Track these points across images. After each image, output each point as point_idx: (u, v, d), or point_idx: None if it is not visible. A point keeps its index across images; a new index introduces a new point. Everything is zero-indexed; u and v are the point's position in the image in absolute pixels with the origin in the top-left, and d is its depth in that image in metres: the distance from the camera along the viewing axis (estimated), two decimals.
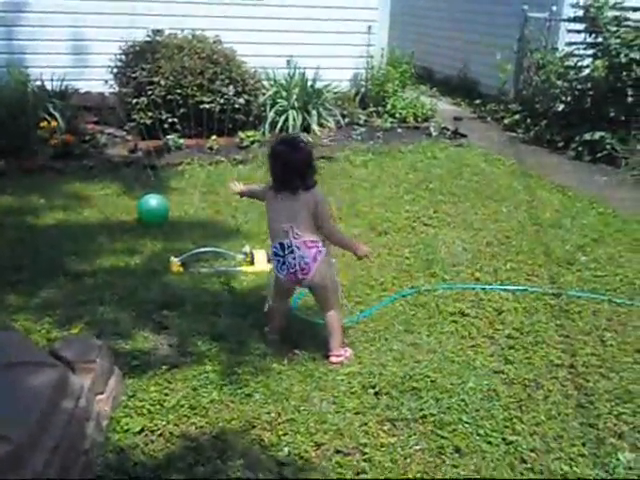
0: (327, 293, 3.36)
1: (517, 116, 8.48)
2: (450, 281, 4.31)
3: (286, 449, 2.72)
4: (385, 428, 2.88)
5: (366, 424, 2.89)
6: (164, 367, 3.18)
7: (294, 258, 3.22)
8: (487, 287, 4.23)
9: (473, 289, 4.20)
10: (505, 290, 4.20)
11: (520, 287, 4.24)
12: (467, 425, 2.89)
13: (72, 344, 2.85)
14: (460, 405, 3.02)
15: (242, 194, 3.67)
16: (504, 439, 2.83)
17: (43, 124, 6.57)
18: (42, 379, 2.38)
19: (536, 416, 2.99)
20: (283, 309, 3.54)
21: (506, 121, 8.61)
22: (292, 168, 3.21)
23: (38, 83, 6.85)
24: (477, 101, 9.62)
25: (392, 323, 3.75)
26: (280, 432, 2.81)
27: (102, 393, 2.77)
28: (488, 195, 6.00)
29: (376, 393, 3.10)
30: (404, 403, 3.03)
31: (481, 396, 3.10)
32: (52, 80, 7.14)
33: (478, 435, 2.84)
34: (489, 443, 2.80)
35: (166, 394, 3.00)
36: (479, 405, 3.03)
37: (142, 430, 2.77)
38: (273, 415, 2.91)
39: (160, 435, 2.75)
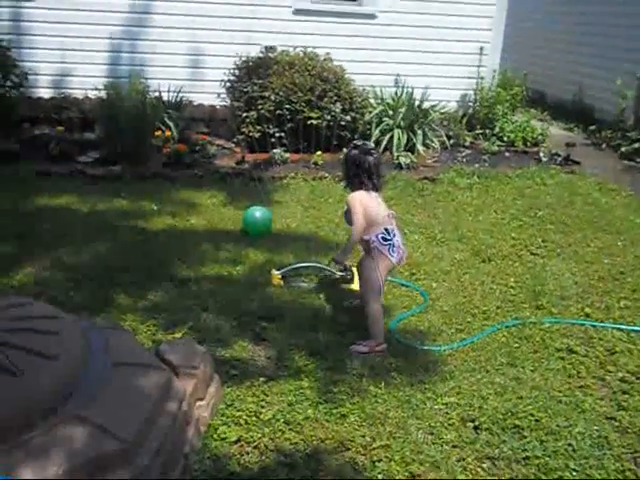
0: None
1: (637, 144, 8.02)
2: (558, 315, 4.09)
3: (380, 476, 2.65)
4: (484, 466, 2.75)
5: (464, 459, 2.77)
6: (261, 379, 3.20)
7: (397, 240, 3.53)
8: (598, 325, 3.98)
9: (582, 325, 3.97)
10: (618, 329, 3.93)
11: (636, 327, 3.96)
12: (575, 473, 2.71)
13: (177, 348, 2.91)
14: (567, 450, 2.84)
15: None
16: None
17: (158, 133, 6.91)
18: (150, 380, 2.44)
19: None
20: None
21: (624, 149, 8.15)
22: (379, 169, 3.64)
23: (156, 94, 7.20)
24: (592, 127, 9.18)
25: (494, 354, 3.60)
26: (374, 457, 2.75)
27: (202, 399, 2.81)
28: (602, 227, 5.68)
29: (475, 427, 2.98)
30: (506, 441, 2.88)
31: (590, 442, 2.90)
32: (168, 92, 7.50)
33: None
34: None
35: (262, 406, 3.01)
36: (588, 452, 2.83)
37: (238, 440, 2.78)
38: (368, 439, 2.85)
39: (255, 447, 2.76)
